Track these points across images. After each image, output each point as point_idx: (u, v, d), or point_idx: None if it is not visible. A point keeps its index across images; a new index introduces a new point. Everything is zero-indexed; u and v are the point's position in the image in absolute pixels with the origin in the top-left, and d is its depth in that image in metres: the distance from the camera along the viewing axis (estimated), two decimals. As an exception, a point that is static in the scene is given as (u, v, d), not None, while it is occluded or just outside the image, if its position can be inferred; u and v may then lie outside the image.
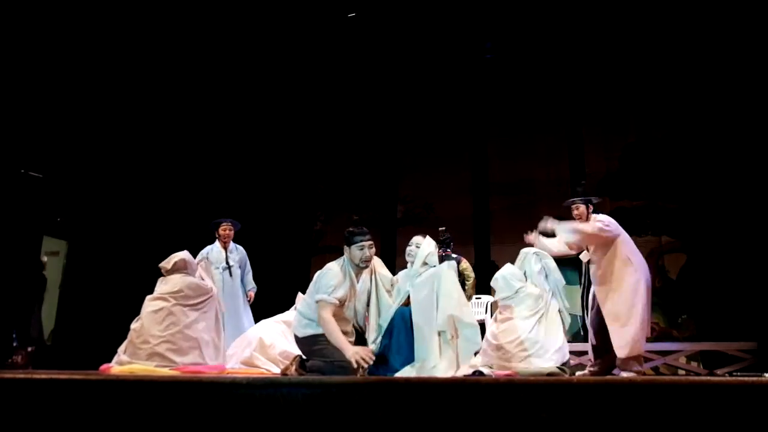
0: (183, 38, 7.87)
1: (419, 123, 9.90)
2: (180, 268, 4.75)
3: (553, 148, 9.20)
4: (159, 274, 4.83)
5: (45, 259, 7.44)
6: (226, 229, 6.18)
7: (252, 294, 6.32)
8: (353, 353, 3.31)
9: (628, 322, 4.63)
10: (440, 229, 6.39)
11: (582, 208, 5.11)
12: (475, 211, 9.31)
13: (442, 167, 9.70)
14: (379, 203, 9.89)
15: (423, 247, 4.29)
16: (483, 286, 8.66)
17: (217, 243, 6.20)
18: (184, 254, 4.88)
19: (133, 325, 4.50)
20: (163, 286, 4.68)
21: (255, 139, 9.53)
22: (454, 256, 6.22)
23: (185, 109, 8.60)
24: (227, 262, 6.06)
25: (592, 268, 4.98)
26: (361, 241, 3.79)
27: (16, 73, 6.57)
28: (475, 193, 9.39)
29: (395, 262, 9.33)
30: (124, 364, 4.31)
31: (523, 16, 8.11)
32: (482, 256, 9.04)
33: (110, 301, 7.12)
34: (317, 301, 3.61)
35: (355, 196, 10.01)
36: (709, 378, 4.05)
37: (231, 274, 6.05)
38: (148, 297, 4.65)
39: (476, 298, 7.00)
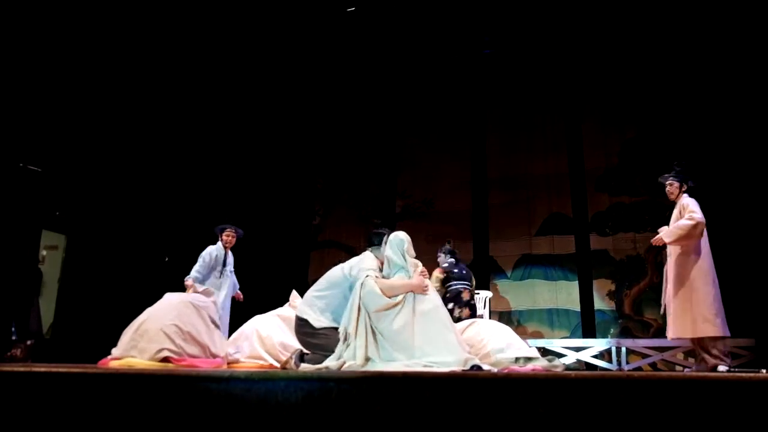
0: (181, 32, 7.85)
1: (418, 117, 9.90)
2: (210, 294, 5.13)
3: (552, 143, 9.20)
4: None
5: (44, 253, 7.45)
6: (230, 235, 6.48)
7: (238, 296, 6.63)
8: (417, 283, 3.64)
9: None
10: (447, 240, 6.40)
11: (675, 185, 5.12)
12: (473, 205, 9.31)
13: (441, 162, 9.70)
14: (378, 198, 9.90)
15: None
16: (483, 282, 8.69)
17: (219, 245, 6.46)
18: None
19: (149, 310, 4.62)
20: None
21: (254, 133, 9.52)
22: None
23: (183, 104, 8.59)
24: (224, 265, 6.38)
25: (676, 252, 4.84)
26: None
27: (16, 67, 6.56)
28: (474, 188, 9.39)
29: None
30: (122, 348, 4.38)
31: (522, 11, 8.09)
32: (481, 250, 9.05)
33: (109, 296, 7.14)
34: (367, 276, 3.69)
35: (353, 191, 10.02)
36: (706, 374, 4.06)
37: (227, 277, 6.42)
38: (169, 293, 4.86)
39: (475, 293, 7.01)
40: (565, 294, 8.64)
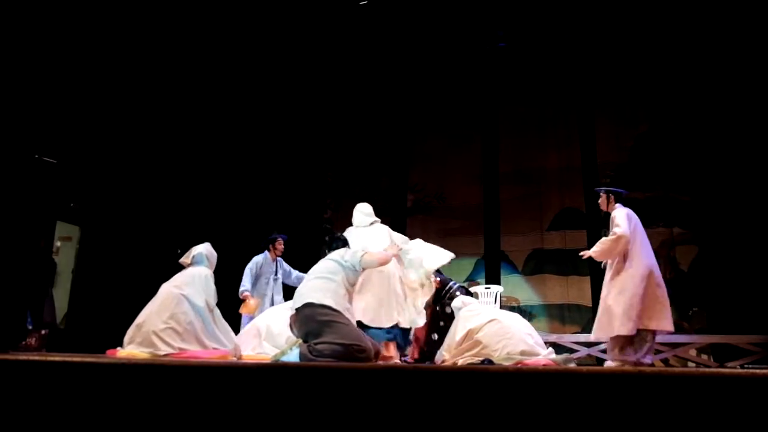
0: (197, 27, 7.86)
1: (430, 111, 9.86)
2: (199, 261, 4.91)
3: (565, 137, 9.13)
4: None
5: (58, 244, 7.52)
6: (282, 243, 6.69)
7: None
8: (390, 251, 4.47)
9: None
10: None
11: (603, 197, 5.34)
12: (485, 200, 9.27)
13: (453, 156, 9.67)
14: (389, 192, 9.88)
15: None
16: (494, 277, 8.68)
17: (267, 255, 6.63)
18: (203, 247, 5.00)
19: (144, 310, 4.60)
20: (179, 276, 4.81)
21: (265, 128, 9.53)
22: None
23: (197, 97, 8.62)
24: (276, 274, 6.60)
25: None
26: None
27: (31, 59, 6.60)
28: (485, 182, 9.34)
29: (404, 251, 9.34)
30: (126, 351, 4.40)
31: (536, 5, 8.04)
32: (492, 245, 9.02)
33: (122, 286, 7.19)
34: (364, 254, 4.17)
35: (365, 185, 10.01)
36: (719, 370, 4.04)
37: (276, 285, 6.60)
38: (164, 284, 4.75)
39: (485, 288, 7.01)
40: (577, 289, 8.60)
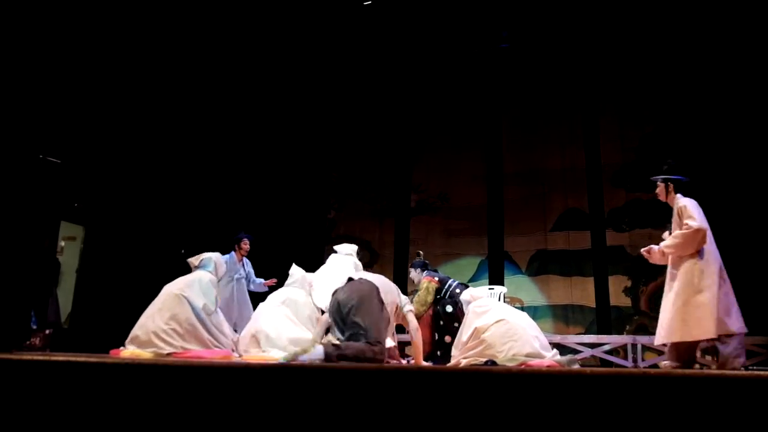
0: (201, 27, 7.88)
1: (434, 111, 9.86)
2: (205, 265, 5.03)
3: (569, 137, 9.11)
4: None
5: (62, 243, 7.54)
6: (248, 243, 6.58)
7: (270, 282, 6.56)
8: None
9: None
10: (417, 252, 6.26)
11: (661, 186, 4.86)
12: (489, 200, 9.25)
13: (457, 156, 9.65)
14: (393, 192, 9.88)
15: None
16: (497, 277, 8.66)
17: (233, 255, 6.54)
18: (215, 255, 5.16)
19: (146, 312, 4.64)
20: (182, 278, 4.85)
21: (269, 127, 9.55)
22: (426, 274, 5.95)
23: (200, 97, 8.63)
24: (239, 274, 6.52)
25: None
26: None
27: (35, 59, 6.62)
28: (489, 183, 9.33)
29: (408, 251, 9.33)
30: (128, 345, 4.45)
31: (540, 5, 8.03)
32: (496, 245, 9.01)
33: (126, 287, 7.21)
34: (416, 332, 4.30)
35: (368, 185, 10.01)
36: (723, 372, 4.02)
37: (240, 285, 6.52)
38: (166, 285, 4.78)
39: (489, 289, 7.00)
40: (581, 290, 8.58)
